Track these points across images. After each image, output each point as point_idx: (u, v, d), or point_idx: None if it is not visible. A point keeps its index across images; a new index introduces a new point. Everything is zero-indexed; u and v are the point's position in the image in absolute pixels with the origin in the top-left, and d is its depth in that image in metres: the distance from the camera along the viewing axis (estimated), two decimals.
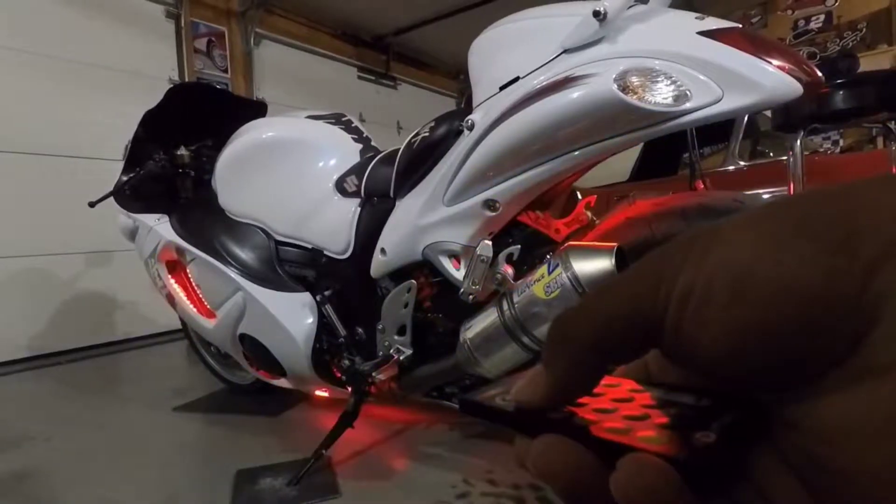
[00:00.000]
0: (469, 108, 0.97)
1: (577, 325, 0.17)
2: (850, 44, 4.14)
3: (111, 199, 1.60)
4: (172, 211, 1.54)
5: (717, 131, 2.33)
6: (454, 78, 5.71)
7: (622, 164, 2.88)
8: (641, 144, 2.40)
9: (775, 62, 0.71)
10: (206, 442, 1.55)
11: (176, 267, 1.54)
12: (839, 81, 1.31)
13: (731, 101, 0.71)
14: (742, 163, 2.32)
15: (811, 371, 0.14)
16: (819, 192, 0.15)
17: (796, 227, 0.14)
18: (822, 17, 4.25)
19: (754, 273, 0.14)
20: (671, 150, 2.85)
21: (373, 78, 4.83)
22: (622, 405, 0.18)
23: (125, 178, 1.57)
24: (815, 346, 0.13)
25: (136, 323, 2.97)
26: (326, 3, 4.01)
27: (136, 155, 1.57)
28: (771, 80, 0.70)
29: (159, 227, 1.50)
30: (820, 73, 0.73)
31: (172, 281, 1.53)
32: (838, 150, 3.64)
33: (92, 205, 1.63)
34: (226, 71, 3.62)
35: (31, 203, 2.64)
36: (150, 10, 3.20)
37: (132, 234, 1.68)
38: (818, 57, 4.13)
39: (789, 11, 4.38)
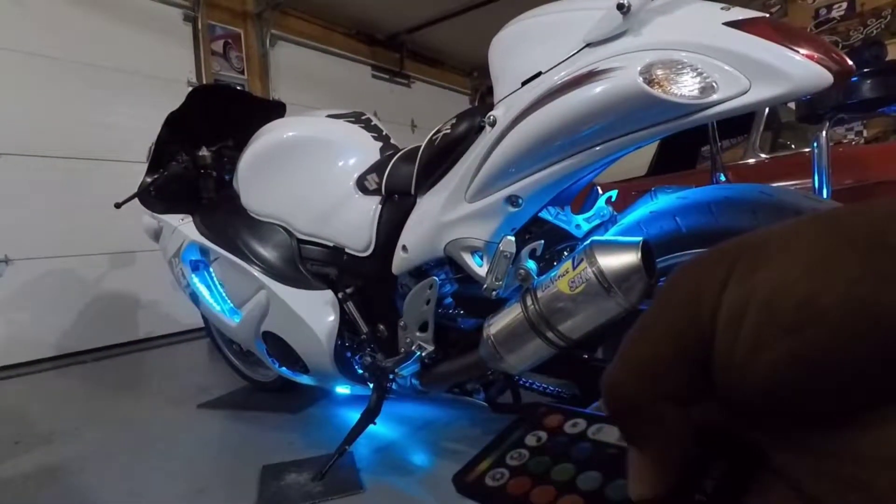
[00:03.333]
0: (487, 105, 0.97)
1: (627, 383, 0.15)
2: (874, 32, 4.03)
3: (135, 200, 1.63)
4: (196, 211, 1.57)
5: (736, 124, 2.29)
6: (468, 75, 5.70)
7: (640, 159, 2.85)
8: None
9: (803, 51, 0.69)
10: (231, 438, 1.57)
11: (199, 266, 1.57)
12: (866, 70, 1.28)
13: (759, 92, 0.70)
14: (763, 155, 2.27)
15: (882, 395, 0.13)
16: (877, 203, 0.13)
17: (866, 241, 0.13)
18: (845, 4, 4.15)
19: (826, 293, 0.13)
20: (689, 143, 2.81)
21: (387, 76, 4.85)
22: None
23: (149, 180, 1.60)
24: (891, 370, 0.12)
25: (160, 322, 3.03)
26: (340, 2, 4.03)
27: (159, 156, 1.60)
28: (799, 69, 0.69)
29: (183, 227, 1.53)
30: (850, 61, 0.71)
31: (196, 280, 1.56)
32: (862, 140, 3.57)
33: (118, 206, 1.66)
34: (242, 72, 3.66)
35: (56, 205, 2.70)
36: (169, 13, 3.25)
37: (156, 235, 1.71)
38: (841, 46, 4.04)
39: (810, 0, 4.28)
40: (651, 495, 0.15)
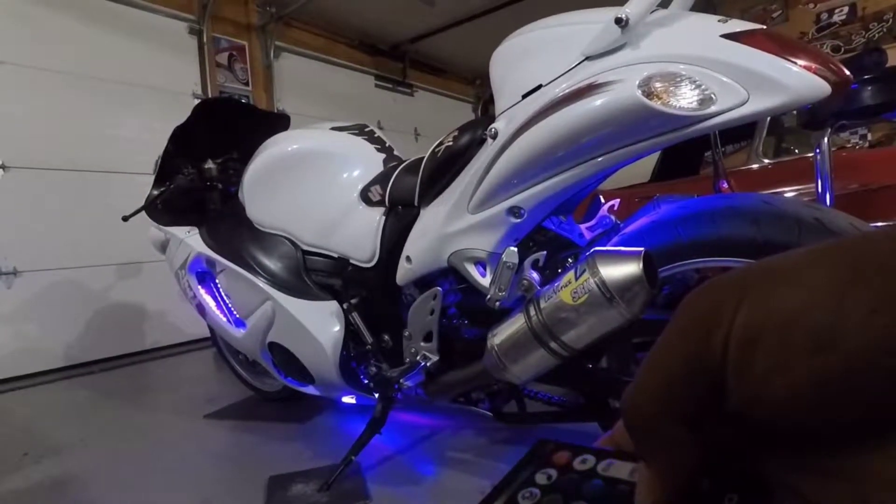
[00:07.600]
0: (488, 117, 0.98)
1: (644, 405, 0.16)
2: (876, 36, 4.03)
3: (143, 212, 1.65)
4: (202, 223, 1.58)
5: (740, 129, 2.30)
6: (470, 84, 5.74)
7: (643, 166, 2.85)
8: None
9: (801, 62, 0.70)
10: (238, 448, 1.58)
11: (206, 278, 1.58)
12: (866, 77, 1.28)
13: (757, 103, 0.71)
14: (766, 161, 2.28)
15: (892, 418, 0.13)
16: (886, 233, 0.14)
17: (881, 272, 0.13)
18: (846, 9, 4.15)
19: (844, 320, 0.13)
20: (692, 150, 2.81)
21: (390, 86, 4.88)
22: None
23: (156, 192, 1.62)
24: None
25: (166, 332, 3.05)
26: (343, 14, 4.07)
27: (166, 169, 1.62)
28: (796, 80, 0.69)
29: (190, 239, 1.55)
30: (848, 72, 0.72)
31: (202, 291, 1.57)
32: (866, 144, 3.56)
33: (125, 219, 1.68)
34: (247, 84, 3.70)
35: (64, 217, 2.73)
36: (174, 27, 3.29)
37: (163, 247, 1.73)
38: (842, 50, 4.04)
39: (811, 5, 4.28)
40: None
